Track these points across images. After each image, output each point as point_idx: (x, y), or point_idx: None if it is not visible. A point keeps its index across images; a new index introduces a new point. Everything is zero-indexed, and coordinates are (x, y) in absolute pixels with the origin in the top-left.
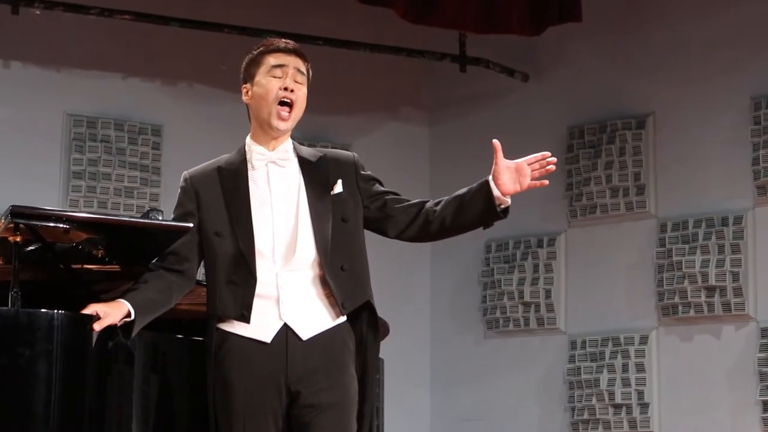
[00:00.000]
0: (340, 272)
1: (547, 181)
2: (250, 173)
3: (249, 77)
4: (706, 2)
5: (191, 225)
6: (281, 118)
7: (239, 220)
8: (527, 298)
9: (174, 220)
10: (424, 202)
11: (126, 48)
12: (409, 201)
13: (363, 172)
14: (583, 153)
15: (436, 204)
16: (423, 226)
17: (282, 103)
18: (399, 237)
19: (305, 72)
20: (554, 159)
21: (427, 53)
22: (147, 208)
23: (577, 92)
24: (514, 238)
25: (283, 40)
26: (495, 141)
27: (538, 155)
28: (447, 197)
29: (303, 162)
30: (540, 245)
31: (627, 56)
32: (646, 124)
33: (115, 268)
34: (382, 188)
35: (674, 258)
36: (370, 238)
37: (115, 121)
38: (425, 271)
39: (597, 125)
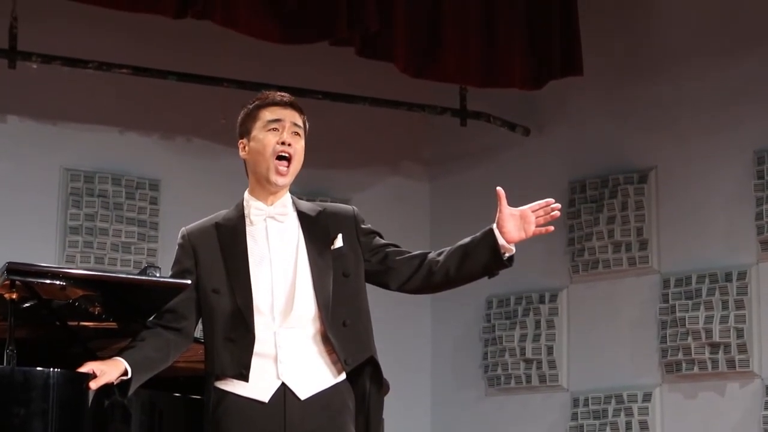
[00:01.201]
0: (342, 328)
1: (552, 228)
2: (248, 229)
3: (245, 132)
4: (709, 56)
5: (189, 282)
6: (279, 173)
7: (237, 277)
8: (529, 354)
9: (172, 277)
10: (426, 254)
11: (124, 102)
12: (410, 253)
13: (363, 226)
14: (585, 208)
15: (439, 254)
16: (426, 277)
17: (280, 158)
18: (401, 289)
19: (302, 125)
20: (558, 205)
21: (428, 107)
22: (144, 264)
23: (579, 146)
24: (515, 294)
25: (279, 93)
26: (499, 188)
27: (542, 202)
28: (450, 247)
29: (302, 217)
30: (542, 301)
31: (629, 110)
32: (648, 179)
33: (112, 325)
34: (383, 241)
35: (677, 314)
36: (369, 295)
37: (112, 175)
38: (425, 327)
39: (599, 180)
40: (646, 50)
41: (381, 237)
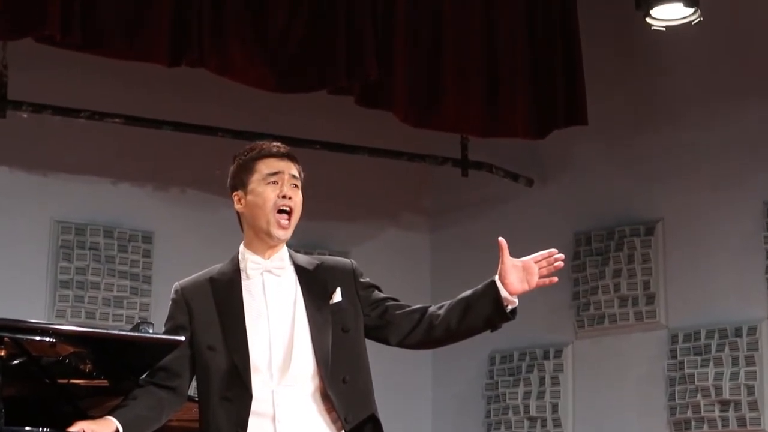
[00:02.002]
0: (342, 385)
1: (556, 279)
2: (244, 283)
3: (241, 185)
4: (717, 105)
5: (183, 339)
6: (281, 227)
7: (233, 334)
8: (533, 412)
9: (165, 333)
10: (427, 307)
11: (116, 152)
12: (410, 306)
13: (362, 280)
14: (590, 260)
15: (439, 308)
16: (427, 332)
17: (281, 212)
18: (402, 344)
19: (299, 176)
20: (562, 255)
21: (428, 157)
22: (137, 319)
23: (584, 197)
24: (519, 350)
25: (274, 144)
26: (501, 239)
27: (545, 252)
28: (450, 301)
29: (300, 270)
30: (546, 357)
31: (635, 160)
32: (655, 231)
33: (103, 383)
34: (382, 295)
35: (686, 370)
36: (368, 351)
37: (104, 227)
38: (426, 383)
39: (604, 232)
40: (651, 99)
41: (380, 291)
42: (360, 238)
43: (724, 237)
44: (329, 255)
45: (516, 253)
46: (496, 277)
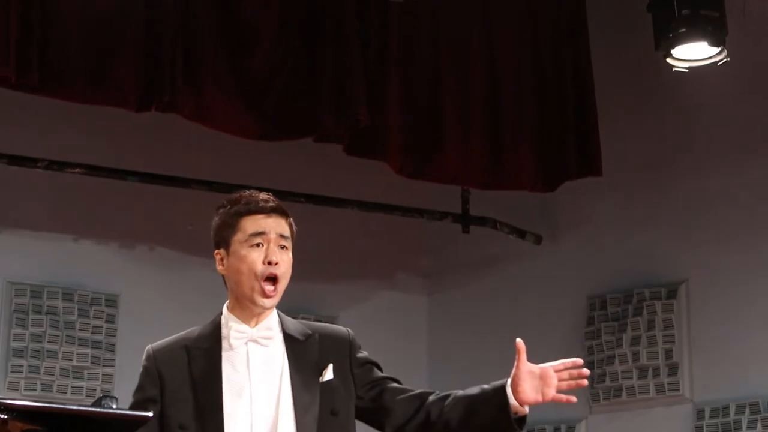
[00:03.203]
0: None
1: (575, 398)
2: (225, 354)
3: (223, 243)
4: (746, 149)
5: (151, 415)
6: (266, 296)
7: (208, 412)
8: None
9: (132, 406)
10: (427, 395)
11: (77, 206)
12: (411, 391)
13: (359, 355)
14: (605, 327)
15: (443, 399)
16: (424, 425)
17: (267, 279)
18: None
19: (289, 235)
20: (587, 371)
21: (426, 212)
22: (99, 392)
23: (598, 257)
24: (527, 426)
25: (261, 195)
26: (519, 341)
27: (568, 362)
28: (456, 394)
29: (289, 340)
30: None
31: (655, 215)
32: (678, 294)
33: None
34: (380, 374)
35: None
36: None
37: (63, 290)
38: None
39: (621, 295)
40: (673, 145)
41: (379, 368)
42: (349, 301)
43: (757, 299)
44: (315, 321)
45: (521, 320)
46: (508, 382)
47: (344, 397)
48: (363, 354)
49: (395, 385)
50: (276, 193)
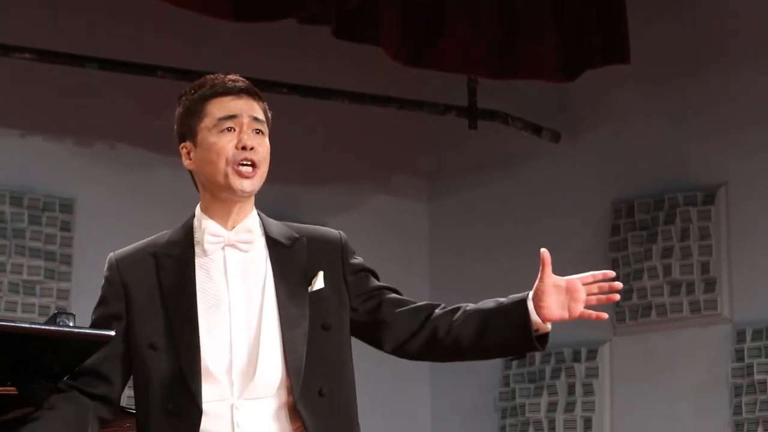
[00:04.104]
0: (318, 399)
1: (605, 315)
2: (199, 260)
3: (188, 134)
4: None
5: (112, 333)
6: (243, 175)
7: (181, 327)
8: (560, 429)
9: (93, 324)
10: (434, 308)
11: (27, 97)
12: (414, 303)
13: (353, 261)
14: (632, 237)
15: (452, 312)
16: (429, 342)
17: (242, 164)
18: (397, 352)
19: (263, 118)
20: (619, 285)
21: (427, 104)
22: (54, 309)
23: (624, 156)
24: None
25: (229, 77)
26: (544, 251)
27: (598, 274)
28: (467, 308)
29: (272, 244)
30: (576, 359)
31: (690, 109)
32: (716, 198)
33: (10, 390)
34: (377, 283)
35: (756, 376)
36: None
37: (11, 193)
38: (424, 393)
39: (651, 200)
40: (714, 30)
41: (376, 277)
42: (339, 207)
43: None
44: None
45: (537, 227)
46: (530, 295)
47: (337, 309)
48: (358, 260)
49: (395, 296)
50: (255, 82)
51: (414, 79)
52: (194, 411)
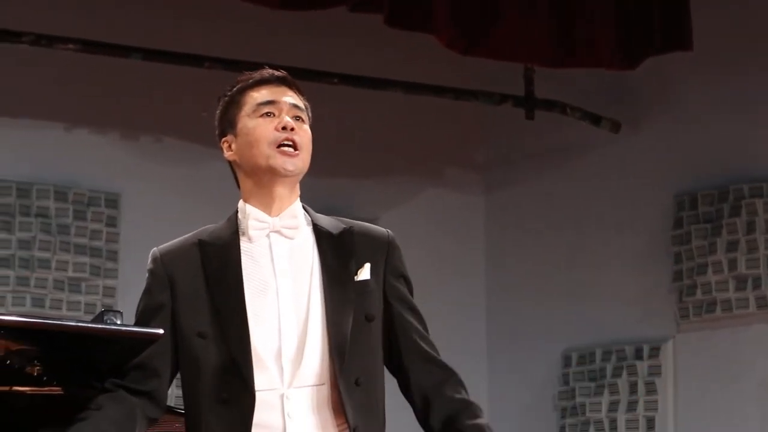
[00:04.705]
0: (354, 387)
1: None
2: (244, 247)
3: (229, 126)
4: None
5: (161, 332)
6: (287, 154)
7: (230, 315)
8: (622, 429)
9: (139, 315)
10: (444, 380)
11: (71, 89)
12: (433, 356)
13: (397, 264)
14: (696, 230)
15: (451, 397)
16: (416, 408)
17: (283, 146)
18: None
19: (304, 108)
20: None
21: (482, 94)
22: (100, 306)
23: (687, 146)
24: (602, 347)
25: (267, 69)
26: None
27: None
28: (460, 410)
29: (320, 233)
30: (638, 356)
31: (755, 97)
32: None
33: (56, 390)
34: (410, 303)
35: None
36: None
37: (55, 188)
38: (481, 389)
39: (716, 192)
40: None
41: (410, 291)
42: (392, 201)
43: None
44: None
45: (597, 220)
46: None
47: (378, 303)
48: (401, 264)
49: (422, 335)
50: (305, 72)
51: (469, 69)
52: (248, 398)
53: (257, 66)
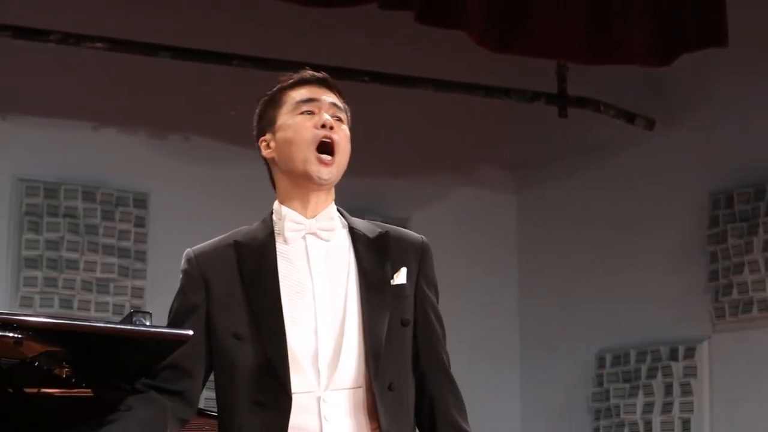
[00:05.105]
0: (387, 392)
1: None
2: (280, 248)
3: (268, 125)
4: None
5: (191, 333)
6: (322, 162)
7: (266, 317)
8: (657, 431)
9: (173, 315)
10: (452, 406)
11: (98, 88)
12: (447, 370)
13: (429, 271)
14: (732, 228)
15: (452, 427)
16: (425, 422)
17: (322, 145)
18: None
19: (343, 108)
20: None
21: (514, 92)
22: (128, 307)
23: (723, 144)
24: (636, 348)
25: (308, 70)
26: None
27: None
28: None
29: (356, 236)
30: (673, 357)
31: None
32: None
33: (85, 392)
34: (434, 309)
35: None
36: None
37: (83, 188)
38: (513, 392)
39: (752, 190)
40: None
41: (437, 299)
42: (423, 199)
43: None
44: (382, 221)
45: (630, 218)
46: None
47: (412, 308)
48: (433, 272)
49: (441, 350)
50: (335, 70)
51: (500, 66)
52: (285, 400)
53: (287, 65)
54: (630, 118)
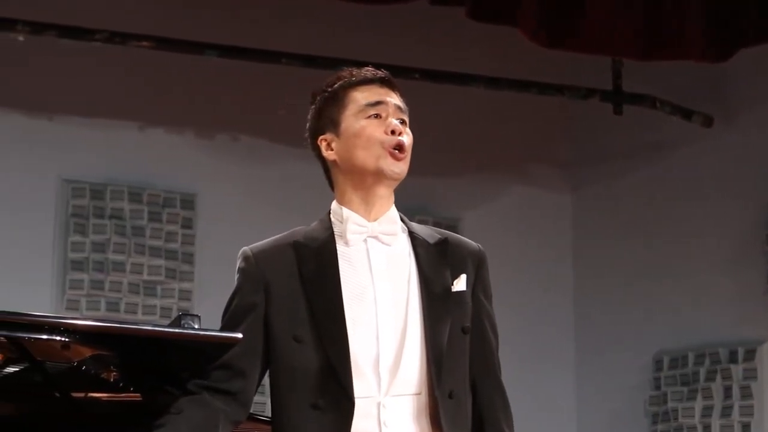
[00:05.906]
0: (448, 400)
1: None
2: (340, 251)
3: (330, 124)
4: None
5: (240, 336)
6: (396, 158)
7: (327, 319)
8: None
9: (231, 317)
10: (501, 418)
11: (145, 87)
12: (498, 378)
13: (486, 281)
14: None
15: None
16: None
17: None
18: None
19: (406, 110)
20: None
21: (568, 89)
22: (176, 310)
23: None
24: (695, 350)
25: (369, 68)
26: None
27: None
28: None
29: (417, 241)
30: (733, 360)
31: None
32: None
33: (134, 396)
34: (492, 321)
35: None
36: None
37: (129, 189)
38: (570, 396)
39: None
40: None
41: (492, 308)
42: (476, 200)
43: None
44: (434, 224)
45: (688, 220)
46: None
47: (470, 315)
48: (489, 281)
49: (495, 362)
50: (385, 67)
51: (554, 62)
52: (347, 405)
53: (336, 62)
54: (687, 114)
